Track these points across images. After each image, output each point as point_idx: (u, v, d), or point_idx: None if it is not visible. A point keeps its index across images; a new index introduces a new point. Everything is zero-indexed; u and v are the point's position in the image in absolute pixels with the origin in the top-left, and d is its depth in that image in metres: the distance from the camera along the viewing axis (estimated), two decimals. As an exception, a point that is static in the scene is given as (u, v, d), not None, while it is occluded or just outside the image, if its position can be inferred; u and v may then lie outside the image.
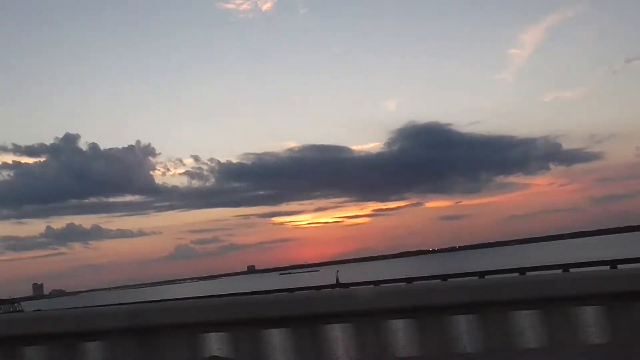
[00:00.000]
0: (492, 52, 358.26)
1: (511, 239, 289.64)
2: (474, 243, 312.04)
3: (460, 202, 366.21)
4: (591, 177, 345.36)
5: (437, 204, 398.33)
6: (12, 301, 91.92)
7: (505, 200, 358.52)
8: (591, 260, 34.65)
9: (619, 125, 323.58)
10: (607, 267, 26.86)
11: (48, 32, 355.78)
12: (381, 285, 36.53)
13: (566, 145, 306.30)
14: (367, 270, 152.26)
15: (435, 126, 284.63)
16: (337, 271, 57.84)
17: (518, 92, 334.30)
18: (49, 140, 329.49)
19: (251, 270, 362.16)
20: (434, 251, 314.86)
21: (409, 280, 36.10)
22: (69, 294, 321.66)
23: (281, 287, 60.59)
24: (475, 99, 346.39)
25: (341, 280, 53.08)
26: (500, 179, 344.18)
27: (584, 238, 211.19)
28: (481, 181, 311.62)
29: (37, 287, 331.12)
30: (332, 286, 49.24)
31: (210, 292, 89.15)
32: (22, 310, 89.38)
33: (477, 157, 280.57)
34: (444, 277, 33.41)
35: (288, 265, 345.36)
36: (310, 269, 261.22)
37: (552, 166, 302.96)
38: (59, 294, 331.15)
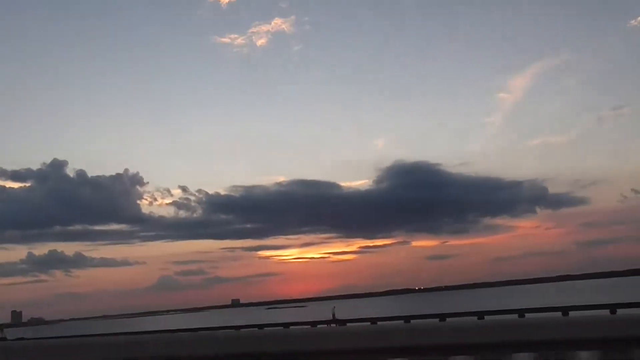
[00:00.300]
0: (482, 95, 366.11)
1: (497, 280, 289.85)
2: (460, 283, 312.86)
3: (447, 242, 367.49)
4: (576, 222, 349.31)
5: (423, 243, 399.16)
6: None
7: (491, 242, 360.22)
8: (590, 304, 35.60)
9: (605, 171, 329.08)
10: (607, 312, 27.83)
11: (38, 57, 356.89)
12: (378, 323, 36.88)
13: (552, 189, 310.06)
14: (355, 307, 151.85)
15: (424, 165, 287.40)
16: (334, 307, 58.02)
17: (506, 135, 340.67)
18: (35, 166, 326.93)
19: (235, 304, 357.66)
20: (420, 290, 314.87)
21: (405, 318, 36.67)
22: (48, 322, 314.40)
23: (272, 322, 60.77)
24: (464, 140, 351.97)
25: (337, 317, 53.19)
26: (487, 220, 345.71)
27: (570, 281, 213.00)
28: (468, 222, 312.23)
29: (16, 315, 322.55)
30: (328, 322, 49.34)
31: (194, 325, 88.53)
32: (5, 338, 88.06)
33: (464, 197, 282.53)
34: (442, 317, 34.11)
35: (273, 299, 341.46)
36: (296, 304, 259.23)
37: (538, 209, 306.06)
38: (37, 322, 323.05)
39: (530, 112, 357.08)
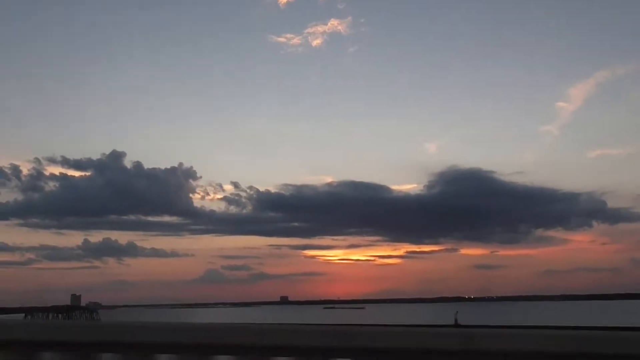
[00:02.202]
0: (540, 103, 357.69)
1: (549, 294, 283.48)
2: (509, 295, 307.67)
3: (496, 251, 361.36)
4: (635, 238, 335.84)
5: (472, 251, 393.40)
6: (90, 309, 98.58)
7: (542, 254, 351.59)
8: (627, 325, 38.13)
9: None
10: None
11: (102, 51, 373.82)
12: (507, 328, 41.14)
13: (611, 204, 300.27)
14: (409, 312, 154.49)
15: (478, 172, 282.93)
16: (457, 312, 59.73)
17: (563, 145, 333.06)
18: (95, 156, 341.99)
19: (284, 301, 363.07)
20: (470, 299, 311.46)
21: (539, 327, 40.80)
22: (104, 307, 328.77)
23: (362, 324, 64.81)
24: (519, 149, 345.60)
25: (460, 322, 55.27)
26: (540, 232, 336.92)
27: (626, 300, 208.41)
28: (519, 232, 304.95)
29: (75, 298, 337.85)
30: (449, 327, 52.01)
31: (265, 320, 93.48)
32: (99, 320, 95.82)
33: (517, 207, 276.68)
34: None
35: (320, 299, 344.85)
36: (350, 305, 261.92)
37: (594, 223, 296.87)
38: (95, 306, 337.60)
39: (590, 122, 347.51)
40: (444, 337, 2.36)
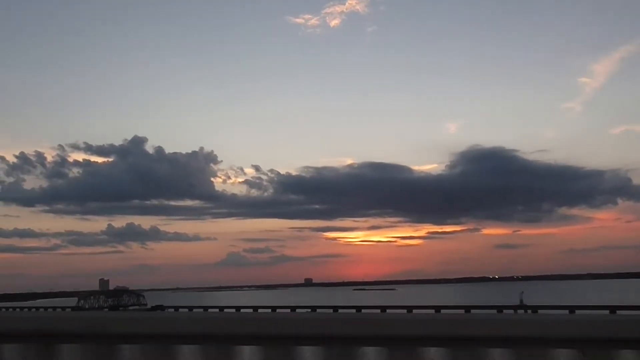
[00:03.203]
0: (562, 79, 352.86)
1: (575, 273, 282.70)
2: (532, 274, 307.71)
3: (519, 231, 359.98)
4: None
5: (494, 231, 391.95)
6: (137, 293, 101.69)
7: (565, 233, 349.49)
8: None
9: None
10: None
11: (122, 39, 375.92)
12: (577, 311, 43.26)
13: (636, 180, 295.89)
14: (435, 292, 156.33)
15: (500, 151, 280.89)
16: (522, 292, 60.47)
17: (586, 122, 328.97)
18: (117, 142, 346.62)
19: (308, 283, 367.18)
20: (494, 279, 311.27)
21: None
22: (131, 291, 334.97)
23: (422, 304, 66.32)
24: (542, 127, 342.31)
25: (525, 302, 56.16)
26: (563, 210, 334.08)
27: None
28: (542, 211, 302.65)
29: (104, 283, 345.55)
30: (515, 308, 53.52)
31: (299, 302, 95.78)
32: (146, 304, 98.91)
33: (540, 186, 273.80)
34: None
35: (343, 281, 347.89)
36: (379, 286, 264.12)
37: (619, 201, 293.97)
38: (123, 290, 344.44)
39: (614, 98, 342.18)
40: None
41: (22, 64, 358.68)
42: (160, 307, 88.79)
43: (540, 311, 52.36)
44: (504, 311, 55.25)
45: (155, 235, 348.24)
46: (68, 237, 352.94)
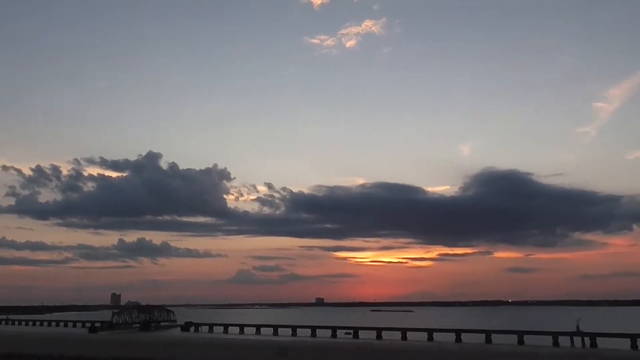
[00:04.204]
0: (577, 103, 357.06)
1: (589, 299, 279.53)
2: (544, 299, 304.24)
3: (531, 255, 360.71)
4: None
5: (506, 254, 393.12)
6: (167, 309, 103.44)
7: (580, 258, 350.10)
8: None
9: None
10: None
11: (138, 58, 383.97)
12: None
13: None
14: (452, 315, 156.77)
15: (514, 174, 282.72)
16: (579, 319, 60.88)
17: (601, 147, 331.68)
18: (132, 157, 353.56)
19: (320, 302, 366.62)
20: (508, 303, 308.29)
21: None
22: (138, 306, 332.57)
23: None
24: (557, 150, 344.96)
25: (581, 328, 56.70)
26: (577, 235, 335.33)
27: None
28: (556, 236, 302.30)
29: (115, 297, 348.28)
30: (572, 334, 54.45)
31: (320, 322, 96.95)
32: (175, 321, 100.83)
33: (554, 210, 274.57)
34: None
35: (354, 301, 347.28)
36: (397, 307, 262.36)
37: (635, 227, 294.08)
38: (134, 305, 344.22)
39: (630, 123, 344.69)
40: None
41: (40, 79, 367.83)
42: (190, 324, 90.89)
43: (598, 339, 53.44)
44: (560, 338, 56.22)
45: (166, 251, 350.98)
46: (80, 250, 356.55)
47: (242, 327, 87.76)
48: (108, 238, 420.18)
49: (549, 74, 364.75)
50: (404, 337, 68.57)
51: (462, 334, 65.39)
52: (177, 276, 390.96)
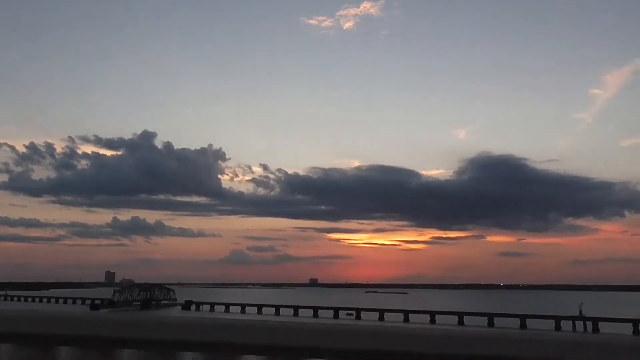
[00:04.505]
0: (573, 90, 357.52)
1: (581, 284, 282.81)
2: (535, 283, 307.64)
3: (524, 239, 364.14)
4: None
5: (499, 238, 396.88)
6: (167, 288, 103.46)
7: (571, 243, 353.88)
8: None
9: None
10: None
11: (135, 39, 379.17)
12: None
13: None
14: (446, 298, 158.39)
15: (510, 159, 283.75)
16: (581, 304, 61.78)
17: (597, 133, 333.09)
18: (127, 135, 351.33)
19: (313, 283, 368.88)
20: (499, 287, 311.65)
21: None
22: (138, 284, 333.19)
23: (474, 311, 67.84)
24: (552, 136, 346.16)
25: (584, 313, 57.61)
26: (569, 220, 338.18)
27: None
28: (549, 220, 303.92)
29: (110, 275, 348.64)
30: (574, 319, 55.28)
31: (319, 303, 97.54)
32: (175, 299, 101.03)
33: (548, 195, 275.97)
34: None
35: (347, 282, 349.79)
36: (392, 289, 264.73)
37: (627, 213, 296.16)
38: (128, 282, 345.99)
39: (625, 110, 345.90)
40: None
41: (36, 56, 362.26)
42: (190, 303, 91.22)
43: (600, 324, 54.13)
44: (562, 322, 57.00)
45: (160, 230, 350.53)
46: (73, 228, 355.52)
47: (243, 306, 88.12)
48: (102, 216, 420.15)
49: (546, 59, 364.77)
50: (406, 319, 69.15)
51: (464, 317, 66.09)
52: (170, 255, 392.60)
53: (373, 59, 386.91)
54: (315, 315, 76.65)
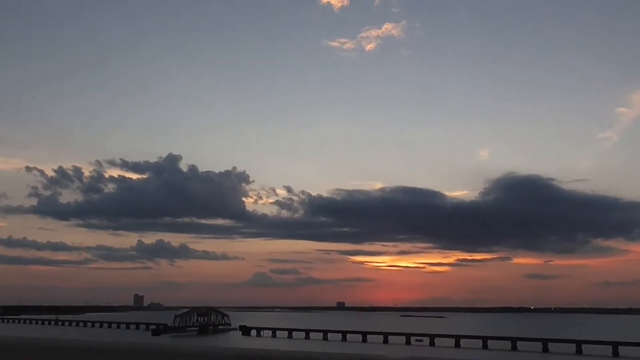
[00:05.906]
0: (598, 108, 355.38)
1: (612, 307, 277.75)
2: (568, 306, 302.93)
3: (551, 261, 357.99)
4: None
5: (525, 260, 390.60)
6: (222, 313, 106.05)
7: (600, 265, 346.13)
8: None
9: None
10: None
11: (160, 62, 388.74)
12: None
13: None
14: (485, 322, 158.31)
15: (536, 180, 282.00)
16: None
17: (624, 152, 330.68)
18: (152, 159, 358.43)
19: (341, 306, 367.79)
20: (530, 310, 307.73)
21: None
22: (165, 308, 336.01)
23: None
24: (578, 156, 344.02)
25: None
26: (598, 241, 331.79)
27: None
28: (577, 242, 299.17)
29: (138, 298, 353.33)
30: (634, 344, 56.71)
31: (367, 328, 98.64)
32: (229, 324, 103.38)
33: (575, 216, 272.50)
34: None
35: (374, 306, 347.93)
36: (426, 313, 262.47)
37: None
38: (157, 307, 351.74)
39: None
40: None
41: (64, 81, 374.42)
42: (248, 328, 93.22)
43: None
44: (620, 347, 58.24)
45: (184, 252, 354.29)
46: (99, 251, 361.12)
47: (307, 332, 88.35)
48: (127, 239, 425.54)
49: (571, 78, 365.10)
50: (457, 344, 71.05)
51: (517, 342, 67.82)
52: (194, 278, 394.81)
53: (395, 80, 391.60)
54: (365, 340, 77.26)
